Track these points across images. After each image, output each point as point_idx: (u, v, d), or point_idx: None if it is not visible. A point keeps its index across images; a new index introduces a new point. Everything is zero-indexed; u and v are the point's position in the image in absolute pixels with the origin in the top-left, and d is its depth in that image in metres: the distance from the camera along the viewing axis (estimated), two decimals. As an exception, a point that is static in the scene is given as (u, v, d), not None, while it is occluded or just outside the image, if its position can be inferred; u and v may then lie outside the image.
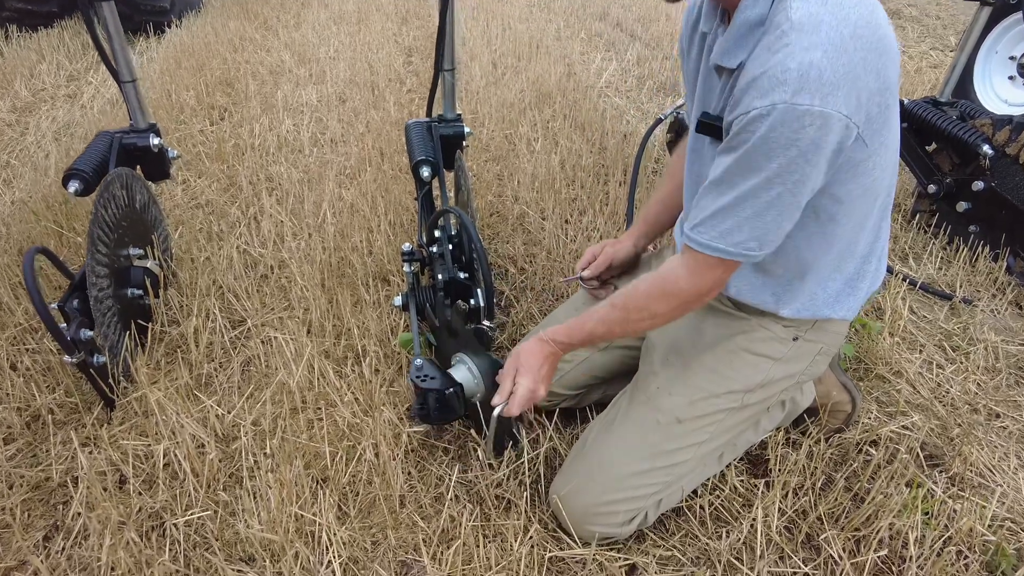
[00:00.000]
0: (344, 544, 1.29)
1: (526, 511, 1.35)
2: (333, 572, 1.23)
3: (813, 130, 0.91)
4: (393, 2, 5.43)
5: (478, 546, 1.28)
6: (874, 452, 1.52)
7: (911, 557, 1.27)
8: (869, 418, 1.64)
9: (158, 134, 1.96)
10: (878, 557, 1.29)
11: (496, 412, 1.28)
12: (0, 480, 1.41)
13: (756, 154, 0.96)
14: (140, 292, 1.79)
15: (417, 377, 1.41)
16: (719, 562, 1.30)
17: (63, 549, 1.28)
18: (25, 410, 1.59)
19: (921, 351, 1.89)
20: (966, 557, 1.30)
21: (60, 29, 4.49)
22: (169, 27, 4.57)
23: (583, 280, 1.54)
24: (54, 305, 1.52)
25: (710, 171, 1.06)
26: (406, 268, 1.81)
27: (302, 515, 1.31)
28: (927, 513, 1.37)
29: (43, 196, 2.42)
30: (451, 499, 1.38)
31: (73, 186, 1.72)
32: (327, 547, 1.27)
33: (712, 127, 1.11)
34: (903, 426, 1.61)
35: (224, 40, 4.31)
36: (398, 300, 1.76)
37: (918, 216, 2.49)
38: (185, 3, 4.85)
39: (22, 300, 1.89)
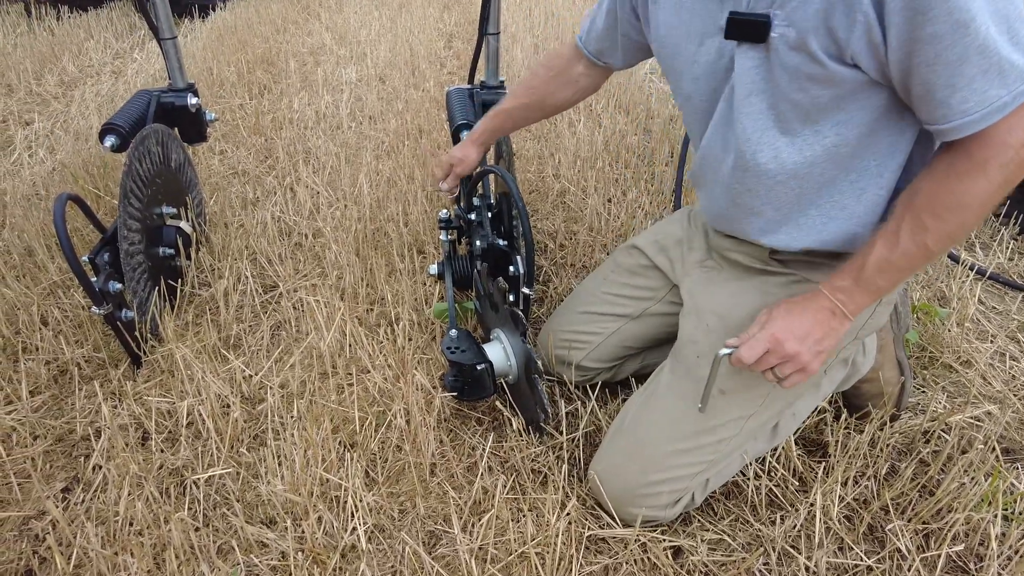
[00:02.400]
0: (370, 510, 1.22)
1: (564, 487, 1.26)
2: (358, 538, 1.16)
3: None
4: (435, -11, 5.39)
5: (514, 520, 1.19)
6: (948, 436, 1.39)
7: (992, 555, 1.14)
8: (938, 406, 1.51)
9: (196, 94, 1.92)
10: (952, 553, 1.17)
11: (720, 354, 1.04)
12: (24, 430, 1.37)
13: None
14: (172, 252, 1.75)
15: (448, 348, 1.35)
16: (773, 549, 1.19)
17: (82, 501, 1.23)
18: (53, 363, 1.55)
19: (992, 341, 1.75)
20: (1053, 558, 1.17)
21: (108, 9, 4.55)
22: (214, 10, 4.60)
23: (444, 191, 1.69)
24: (85, 258, 1.49)
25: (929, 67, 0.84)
26: (442, 236, 1.73)
27: (328, 478, 1.24)
28: (1007, 508, 1.25)
29: (83, 161, 2.41)
30: (484, 470, 1.30)
31: (109, 141, 1.69)
32: (352, 512, 1.20)
33: (752, 24, 0.93)
34: (974, 416, 1.47)
35: (266, 21, 4.31)
36: (433, 268, 1.68)
37: (986, 204, 2.33)
38: (230, -14, 4.88)
39: (56, 258, 1.87)
